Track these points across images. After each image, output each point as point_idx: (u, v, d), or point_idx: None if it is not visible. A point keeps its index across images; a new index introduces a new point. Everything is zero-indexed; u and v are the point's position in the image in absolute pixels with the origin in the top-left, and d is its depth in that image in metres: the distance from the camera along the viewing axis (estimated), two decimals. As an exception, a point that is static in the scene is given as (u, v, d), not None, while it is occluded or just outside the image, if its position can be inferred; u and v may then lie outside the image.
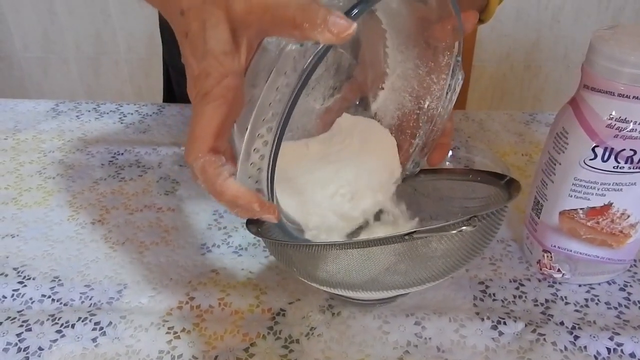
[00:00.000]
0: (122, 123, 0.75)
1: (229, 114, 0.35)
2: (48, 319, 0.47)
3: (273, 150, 0.35)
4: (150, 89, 2.03)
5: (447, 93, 0.48)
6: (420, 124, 0.50)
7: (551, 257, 0.50)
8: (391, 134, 0.51)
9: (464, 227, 0.36)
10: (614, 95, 0.42)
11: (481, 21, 0.62)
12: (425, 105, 0.49)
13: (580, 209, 0.46)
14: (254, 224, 0.45)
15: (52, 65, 2.02)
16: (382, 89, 0.51)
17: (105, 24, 1.89)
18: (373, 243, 0.38)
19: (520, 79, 2.08)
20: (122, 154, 0.69)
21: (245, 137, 0.35)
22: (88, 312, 0.48)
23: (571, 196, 0.46)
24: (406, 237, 0.37)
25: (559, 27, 1.97)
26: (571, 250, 0.48)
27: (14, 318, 0.47)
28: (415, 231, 0.37)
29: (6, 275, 0.51)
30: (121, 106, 0.78)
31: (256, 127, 0.35)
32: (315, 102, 0.49)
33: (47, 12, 1.88)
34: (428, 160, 0.51)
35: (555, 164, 0.47)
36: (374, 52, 0.50)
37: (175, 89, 0.92)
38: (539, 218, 0.49)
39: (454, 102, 0.48)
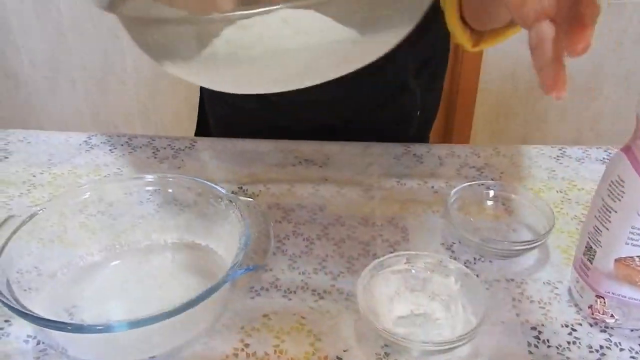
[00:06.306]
0: (155, 157, 0.75)
1: None
2: (104, 367, 0.47)
3: None
4: (156, 108, 2.03)
5: None
6: None
7: (604, 302, 0.50)
8: None
9: None
10: (676, 148, 0.42)
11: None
12: None
13: (637, 256, 0.47)
14: None
15: (59, 85, 2.02)
16: None
17: (113, 44, 1.90)
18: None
19: (525, 100, 2.09)
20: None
21: None
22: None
23: (628, 244, 0.46)
24: None
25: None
26: (625, 297, 0.49)
27: None
28: None
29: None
30: (153, 140, 0.78)
31: None
32: None
33: (55, 32, 1.89)
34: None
35: (610, 212, 0.47)
36: None
37: (212, 128, 0.93)
38: (591, 264, 0.50)
39: None
